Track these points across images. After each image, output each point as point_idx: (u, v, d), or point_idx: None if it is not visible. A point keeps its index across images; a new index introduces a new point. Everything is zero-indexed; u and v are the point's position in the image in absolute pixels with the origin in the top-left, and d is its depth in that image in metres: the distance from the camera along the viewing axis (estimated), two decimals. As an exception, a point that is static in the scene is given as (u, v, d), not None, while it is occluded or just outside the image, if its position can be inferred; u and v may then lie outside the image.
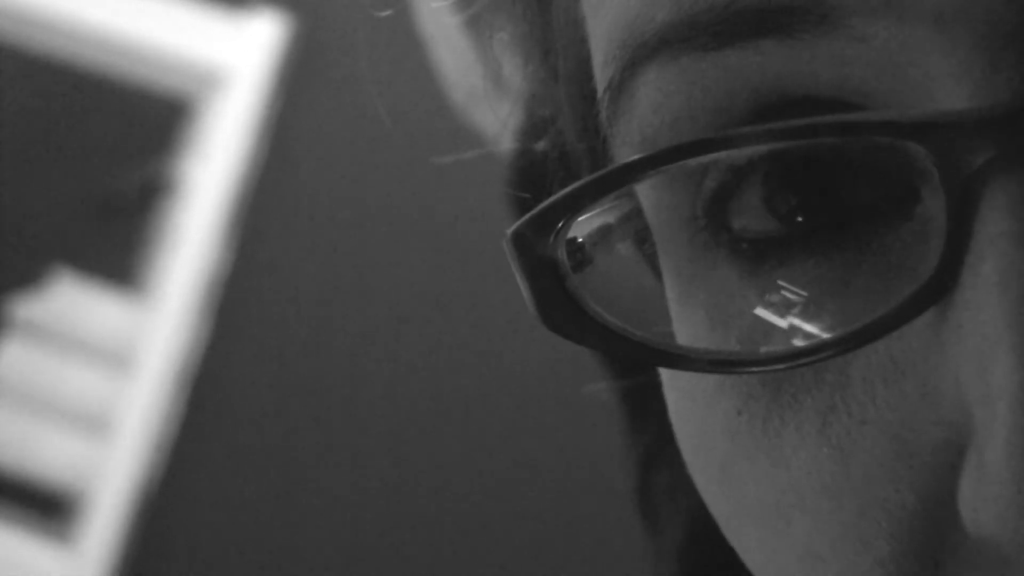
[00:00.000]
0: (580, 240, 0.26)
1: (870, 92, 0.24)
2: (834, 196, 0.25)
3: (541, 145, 0.38)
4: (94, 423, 1.65)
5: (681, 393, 0.28)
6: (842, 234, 0.25)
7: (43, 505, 1.63)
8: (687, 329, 0.28)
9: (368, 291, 1.59)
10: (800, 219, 0.25)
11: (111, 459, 1.60)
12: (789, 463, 0.25)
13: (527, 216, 0.25)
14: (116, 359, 1.66)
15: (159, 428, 1.59)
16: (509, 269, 0.26)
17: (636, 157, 0.25)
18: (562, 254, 0.26)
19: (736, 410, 0.26)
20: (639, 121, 0.26)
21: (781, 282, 0.26)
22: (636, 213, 0.29)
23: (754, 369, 0.25)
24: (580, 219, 0.26)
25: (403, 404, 1.55)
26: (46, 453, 1.66)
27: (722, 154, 0.25)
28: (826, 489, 0.25)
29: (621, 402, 0.50)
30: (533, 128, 0.40)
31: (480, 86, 0.48)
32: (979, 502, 0.22)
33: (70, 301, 1.70)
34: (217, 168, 1.65)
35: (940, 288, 0.23)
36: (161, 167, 1.71)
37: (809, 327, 0.25)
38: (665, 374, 0.29)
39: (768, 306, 0.26)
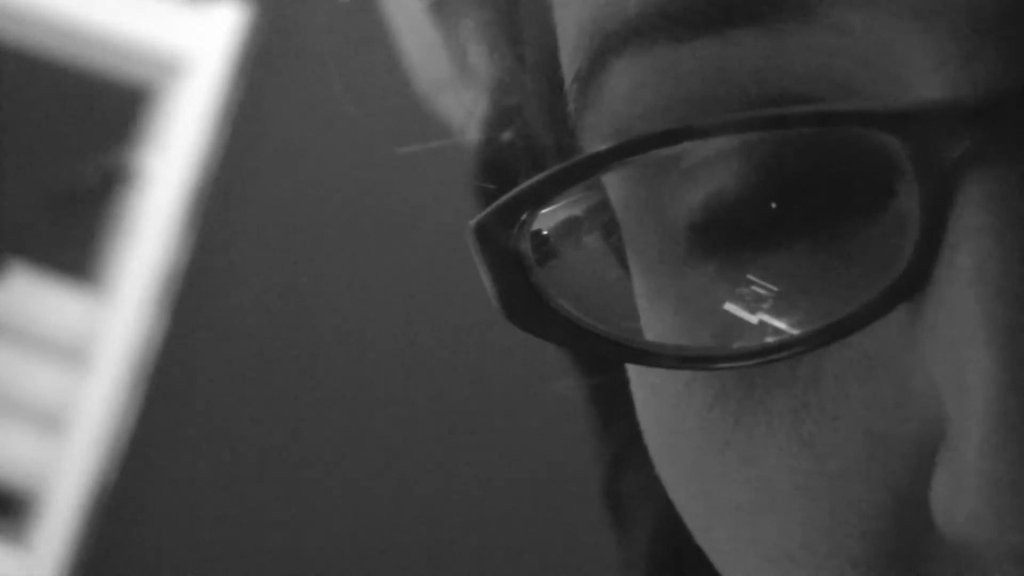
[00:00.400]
0: (545, 233, 0.26)
1: (847, 83, 0.24)
2: (807, 188, 0.25)
3: (507, 135, 0.38)
4: (49, 420, 1.64)
5: (650, 390, 0.28)
6: (816, 227, 0.25)
7: (-4, 504, 1.63)
8: (656, 324, 0.28)
9: (332, 284, 1.59)
10: (772, 212, 0.25)
11: (67, 457, 1.60)
12: (760, 461, 0.25)
13: (490, 208, 0.25)
14: (72, 355, 1.65)
15: (116, 426, 1.59)
16: (474, 262, 0.26)
17: (603, 147, 0.25)
18: (526, 247, 0.25)
19: (707, 406, 0.26)
20: (608, 113, 0.26)
21: (753, 276, 0.26)
22: (603, 205, 0.28)
23: (725, 365, 0.25)
24: (545, 211, 0.26)
25: (367, 399, 1.55)
26: (0, 451, 1.65)
27: (692, 144, 0.25)
28: (798, 488, 0.25)
29: (589, 400, 0.50)
30: (499, 118, 0.40)
31: (445, 74, 0.48)
32: (952, 501, 0.22)
33: (25, 295, 1.69)
34: (177, 158, 1.64)
35: (914, 283, 0.23)
36: (120, 157, 1.70)
37: (781, 322, 0.25)
38: (633, 371, 0.29)
39: (739, 300, 0.26)
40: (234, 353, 1.59)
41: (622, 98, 0.26)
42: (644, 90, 0.26)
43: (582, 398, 0.50)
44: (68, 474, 1.59)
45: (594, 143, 0.27)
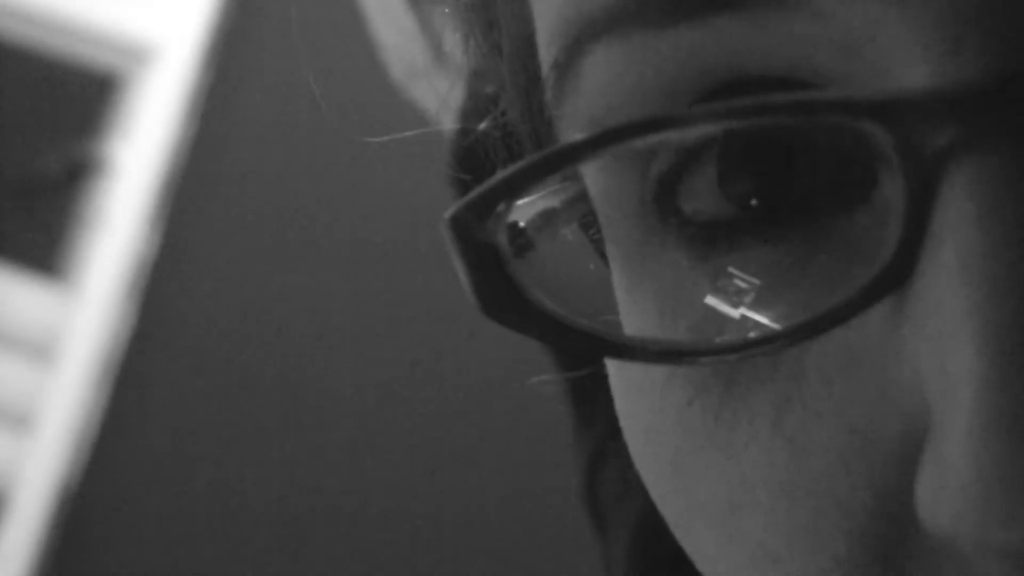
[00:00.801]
0: (522, 224, 0.26)
1: (828, 72, 0.24)
2: (788, 179, 0.25)
3: (483, 125, 0.38)
4: (14, 418, 1.63)
5: (629, 385, 0.28)
6: (797, 219, 0.25)
7: (-41, 504, 1.62)
8: (635, 318, 0.28)
9: (305, 277, 1.58)
10: (753, 203, 0.25)
11: (32, 456, 1.59)
12: (741, 457, 0.25)
13: (465, 199, 0.25)
14: (38, 350, 1.65)
15: (83, 424, 1.58)
16: (449, 254, 0.26)
17: (580, 137, 0.25)
18: (502, 239, 0.26)
19: (687, 402, 0.26)
20: (586, 102, 0.26)
21: (733, 269, 0.26)
22: (581, 197, 0.28)
23: (704, 360, 0.25)
24: (522, 202, 0.26)
25: (339, 397, 1.55)
26: (-37, 449, 1.64)
27: (671, 134, 0.25)
28: (780, 485, 0.25)
29: (568, 396, 0.50)
30: (475, 106, 0.40)
31: (420, 62, 0.48)
32: (936, 499, 0.22)
33: (-12, 288, 1.68)
34: (145, 148, 1.64)
35: (898, 275, 0.23)
36: (87, 147, 1.70)
37: (762, 316, 0.25)
38: (612, 365, 0.29)
39: (719, 294, 0.26)
40: (205, 349, 1.58)
41: (600, 86, 0.26)
42: (622, 79, 0.26)
43: (561, 394, 0.50)
44: (34, 473, 1.58)
45: (571, 132, 0.27)
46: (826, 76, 0.24)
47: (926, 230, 0.22)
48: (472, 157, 0.38)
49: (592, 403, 0.49)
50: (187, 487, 1.56)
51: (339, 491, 1.53)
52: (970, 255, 0.22)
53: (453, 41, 0.38)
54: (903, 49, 0.23)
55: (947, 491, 0.21)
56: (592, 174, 0.28)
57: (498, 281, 0.26)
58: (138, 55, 1.68)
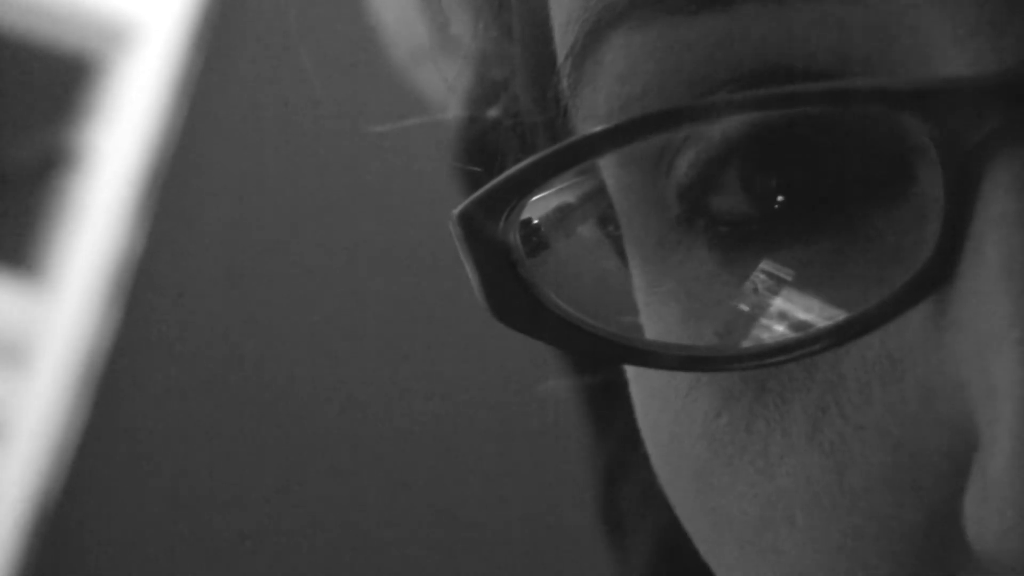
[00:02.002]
0: (536, 222, 0.27)
1: (863, 59, 0.24)
2: (821, 174, 0.25)
3: (493, 113, 0.38)
4: (-14, 427, 1.63)
5: (650, 393, 0.29)
6: (830, 216, 0.25)
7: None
8: (657, 322, 0.28)
9: (300, 276, 1.58)
10: (783, 200, 0.25)
11: (6, 466, 1.59)
12: (775, 472, 0.25)
13: (476, 194, 0.25)
14: (12, 354, 1.65)
15: (61, 435, 1.58)
16: (456, 253, 0.26)
17: (599, 129, 0.25)
18: (515, 237, 0.26)
19: (714, 412, 0.26)
20: (605, 92, 0.27)
21: (762, 269, 0.26)
22: (599, 192, 0.29)
23: (733, 366, 0.26)
24: (536, 198, 0.26)
25: (335, 403, 1.55)
26: (-69, 461, 1.64)
27: (696, 126, 0.25)
28: (818, 502, 0.25)
29: (583, 403, 0.50)
30: (484, 93, 0.40)
31: (424, 44, 0.48)
32: (983, 517, 0.22)
33: (-42, 288, 1.68)
34: (127, 137, 1.64)
35: (938, 275, 0.23)
36: (61, 135, 1.70)
37: (794, 319, 0.25)
38: (632, 372, 0.30)
39: (748, 296, 0.26)
40: (194, 355, 1.58)
41: (619, 75, 0.26)
42: (643, 67, 0.26)
43: (575, 401, 0.50)
44: (9, 485, 1.58)
45: (588, 123, 0.27)
46: (860, 64, 0.24)
47: (967, 228, 0.23)
48: (481, 148, 0.38)
49: (610, 410, 0.49)
50: (173, 504, 1.56)
51: (328, 506, 1.53)
52: (1014, 254, 0.22)
53: (460, 22, 0.38)
54: (941, 32, 0.23)
55: (992, 509, 0.21)
56: (611, 168, 0.28)
57: (510, 282, 0.26)
58: (118, 36, 1.68)
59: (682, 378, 0.27)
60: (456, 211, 0.26)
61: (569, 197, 0.28)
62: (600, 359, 0.36)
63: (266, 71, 1.55)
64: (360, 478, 1.54)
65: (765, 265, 0.26)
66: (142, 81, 1.65)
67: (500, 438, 1.51)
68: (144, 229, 1.62)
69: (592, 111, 0.27)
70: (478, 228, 0.26)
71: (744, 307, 0.26)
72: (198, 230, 1.62)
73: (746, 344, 0.26)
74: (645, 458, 0.30)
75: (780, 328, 0.25)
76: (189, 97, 1.64)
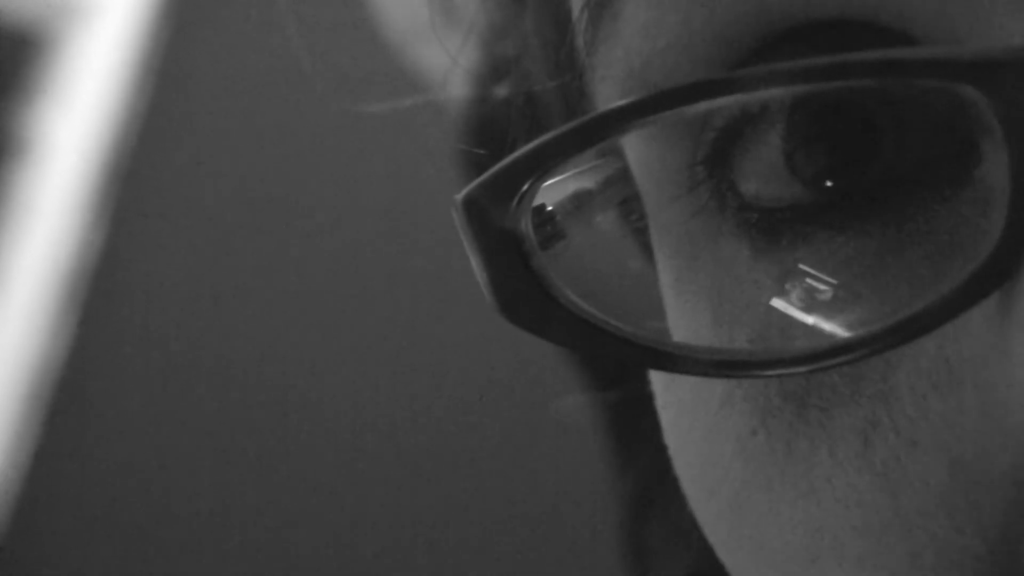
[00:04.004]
0: (550, 209, 0.27)
1: (917, 19, 0.24)
2: (871, 155, 0.25)
3: (502, 89, 0.38)
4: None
5: (679, 407, 0.29)
6: (881, 203, 0.25)
7: None
8: (686, 322, 0.28)
9: (278, 280, 1.58)
10: (828, 184, 0.26)
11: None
12: (821, 495, 0.26)
13: (482, 178, 0.26)
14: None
15: (12, 450, 1.59)
16: (460, 245, 0.27)
17: (622, 103, 0.25)
18: (527, 226, 0.26)
19: (751, 429, 0.27)
20: (624, 48, 0.27)
21: (804, 264, 0.26)
22: (622, 175, 0.29)
23: (770, 372, 0.26)
24: (550, 183, 0.26)
25: (313, 423, 1.55)
26: None
27: (732, 99, 0.25)
28: (869, 528, 0.25)
29: (604, 421, 0.51)
30: (492, 68, 0.40)
31: (425, 17, 0.48)
32: None
33: None
34: (83, 122, 1.64)
35: (1004, 269, 0.23)
36: (8, 119, 1.70)
37: (839, 320, 0.25)
38: (658, 382, 0.30)
39: (788, 293, 0.26)
40: (156, 368, 1.59)
41: (640, 29, 0.27)
42: (667, 18, 0.26)
43: (596, 419, 0.51)
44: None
45: (606, 88, 0.28)
46: (915, 24, 0.24)
47: None
48: (488, 129, 0.38)
49: (636, 431, 0.49)
50: (132, 541, 1.56)
51: (296, 507, 1.53)
52: None
53: (465, -9, 0.39)
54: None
55: None
56: (635, 147, 0.28)
57: (521, 276, 0.26)
58: (73, 10, 1.68)
59: (714, 390, 0.27)
60: (460, 196, 0.26)
61: (588, 182, 0.28)
62: (622, 364, 0.36)
63: (244, 44, 1.55)
64: (331, 486, 1.54)
65: (807, 259, 0.26)
66: (100, 58, 1.65)
67: (507, 462, 1.50)
68: (102, 227, 1.63)
69: (610, 72, 0.27)
70: (484, 215, 0.26)
71: (784, 306, 0.26)
72: (163, 228, 1.62)
73: (784, 348, 0.26)
74: (676, 485, 0.30)
75: (825, 330, 0.26)
76: (154, 76, 1.64)
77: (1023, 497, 0.23)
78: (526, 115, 0.35)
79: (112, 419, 1.60)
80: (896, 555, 0.25)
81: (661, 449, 0.30)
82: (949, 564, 0.24)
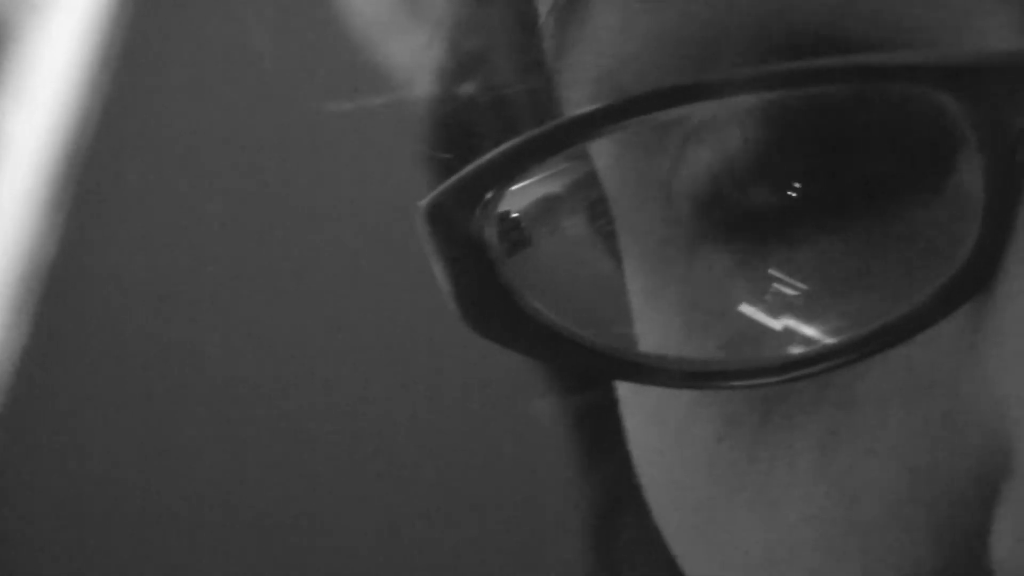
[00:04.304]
0: (516, 215, 0.27)
1: (895, 24, 0.24)
2: (845, 162, 0.25)
3: (468, 88, 0.38)
4: None
5: (645, 416, 0.29)
6: (854, 211, 0.25)
7: None
8: (656, 331, 0.28)
9: (239, 280, 1.58)
10: (802, 191, 0.26)
11: None
12: (779, 507, 0.26)
13: (447, 183, 0.26)
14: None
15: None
16: (423, 252, 0.27)
17: (591, 109, 0.25)
18: (492, 234, 0.26)
19: (715, 437, 0.27)
20: (594, 51, 0.27)
21: (777, 272, 0.26)
22: (590, 179, 0.29)
23: (741, 383, 0.26)
24: (516, 187, 0.26)
25: (278, 428, 1.55)
26: None
27: (705, 105, 0.25)
28: (825, 540, 0.25)
29: (573, 426, 0.51)
30: (458, 66, 0.40)
31: (389, 12, 0.48)
32: (1015, 554, 0.22)
33: None
34: (39, 116, 1.63)
35: (976, 280, 0.23)
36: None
37: (811, 329, 0.25)
38: (625, 391, 0.30)
39: (760, 302, 0.26)
40: (112, 363, 1.58)
41: (611, 32, 0.26)
42: (638, 20, 0.26)
43: (563, 424, 0.51)
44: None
45: (576, 92, 0.28)
46: (893, 29, 0.24)
47: (1012, 225, 0.23)
48: (454, 130, 0.38)
49: (604, 437, 0.49)
50: (92, 529, 1.56)
51: (263, 514, 1.53)
52: None
53: (430, -17, 0.39)
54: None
55: None
56: (603, 151, 0.28)
57: (486, 285, 0.26)
58: (29, 2, 1.68)
59: (680, 399, 0.27)
60: (424, 203, 0.26)
61: (555, 186, 0.28)
62: (589, 374, 0.36)
63: (204, 41, 1.55)
64: (288, 501, 1.54)
65: (780, 267, 0.26)
66: (57, 52, 1.65)
67: (473, 468, 1.50)
68: (59, 225, 1.62)
69: (580, 75, 0.27)
70: (449, 223, 0.26)
71: (755, 315, 0.26)
72: (123, 227, 1.62)
73: (756, 358, 0.26)
74: (641, 493, 0.30)
75: (797, 340, 0.26)
76: (112, 70, 1.64)
77: (982, 505, 0.23)
78: (493, 116, 0.35)
79: (66, 424, 1.59)
80: (850, 564, 0.25)
81: (628, 454, 0.30)
82: (904, 572, 0.24)
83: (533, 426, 0.51)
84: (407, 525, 1.52)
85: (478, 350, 0.30)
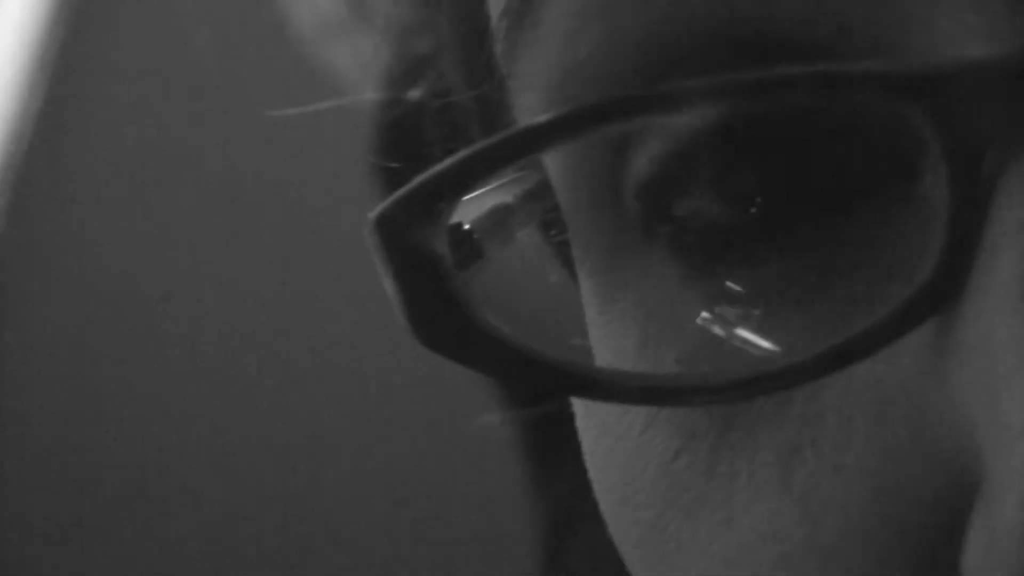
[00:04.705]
0: (467, 227, 0.27)
1: (856, 31, 0.24)
2: (805, 175, 0.25)
3: (417, 94, 0.38)
4: None
5: (600, 430, 0.29)
6: (815, 224, 0.25)
7: None
8: (611, 345, 0.28)
9: (181, 286, 1.58)
10: (761, 204, 0.26)
11: None
12: (739, 524, 0.26)
13: (396, 196, 0.25)
14: None
15: None
16: (371, 264, 0.27)
17: (542, 120, 0.25)
18: (443, 246, 0.26)
19: (672, 453, 0.27)
20: (546, 58, 0.27)
21: (735, 285, 0.26)
22: (543, 189, 0.29)
23: (699, 399, 0.26)
24: (467, 198, 0.26)
25: (224, 427, 1.54)
26: None
27: (660, 117, 0.25)
28: (786, 559, 0.25)
29: (525, 440, 0.51)
30: (407, 71, 0.40)
31: (336, 15, 0.48)
32: (988, 574, 0.22)
33: None
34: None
35: (942, 293, 0.23)
36: None
37: (772, 344, 0.25)
38: (580, 405, 0.30)
39: (718, 316, 0.26)
40: (48, 367, 1.58)
41: (562, 38, 0.26)
42: (591, 26, 0.26)
43: (515, 437, 0.50)
44: None
45: (527, 98, 0.28)
46: (853, 36, 0.24)
47: (978, 238, 0.23)
48: (403, 137, 0.38)
49: (557, 450, 0.49)
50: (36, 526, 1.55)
51: (217, 532, 1.53)
52: None
53: (378, -14, 0.38)
54: (950, 6, 0.23)
55: (1000, 566, 0.22)
56: (556, 161, 0.28)
57: (437, 299, 0.26)
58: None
59: (637, 413, 0.27)
60: (373, 214, 0.26)
61: (506, 196, 0.28)
62: (543, 390, 0.36)
63: (145, 41, 1.55)
64: (246, 516, 1.54)
65: (738, 280, 0.26)
66: (-6, 51, 1.64)
67: (422, 480, 1.50)
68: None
69: (532, 82, 0.27)
70: (399, 234, 0.25)
71: (713, 330, 0.26)
72: (61, 234, 1.61)
73: (714, 373, 0.26)
74: (596, 508, 0.30)
75: (756, 354, 0.26)
76: (51, 72, 1.63)
77: (952, 523, 0.23)
78: (443, 123, 0.35)
79: (11, 432, 1.59)
80: None
81: (583, 468, 0.30)
82: None
83: (485, 439, 0.51)
84: (356, 540, 1.52)
85: (429, 363, 0.30)
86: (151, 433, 1.57)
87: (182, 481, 1.56)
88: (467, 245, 0.27)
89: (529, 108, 0.28)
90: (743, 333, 0.26)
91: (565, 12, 0.26)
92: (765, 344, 0.25)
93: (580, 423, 0.30)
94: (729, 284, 0.26)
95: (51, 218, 1.62)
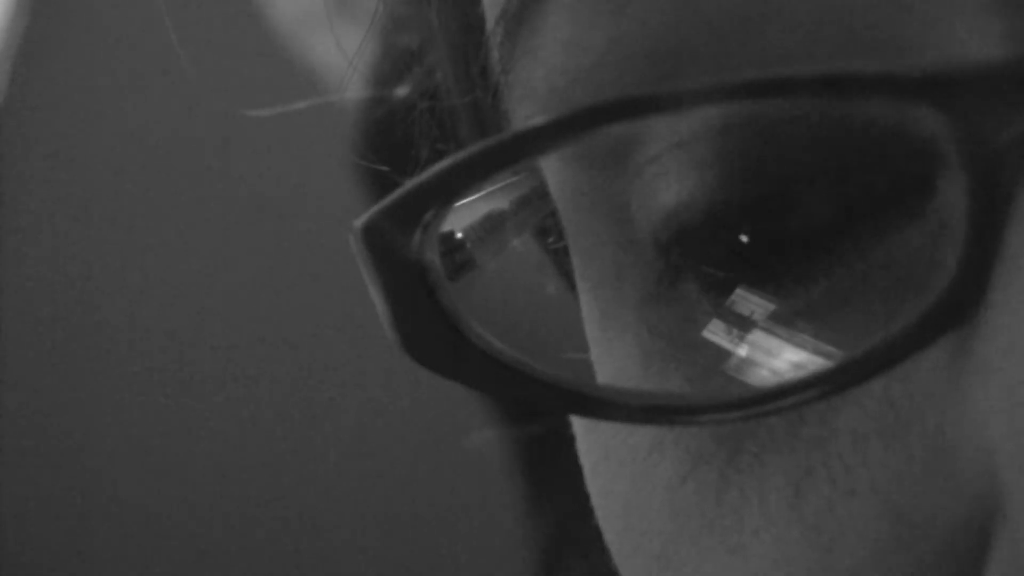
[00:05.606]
0: (459, 236, 0.27)
1: (871, 35, 0.24)
2: (815, 182, 0.25)
3: (405, 92, 0.38)
4: None
5: (603, 453, 0.29)
6: (827, 236, 0.25)
7: None
8: (612, 361, 0.28)
9: (156, 293, 1.58)
10: (768, 214, 0.26)
11: None
12: (749, 551, 0.26)
13: (384, 203, 0.25)
14: None
15: None
16: (358, 274, 0.26)
17: (540, 122, 0.25)
18: (433, 255, 0.26)
19: (679, 477, 0.27)
20: (545, 66, 0.27)
21: (744, 298, 0.26)
22: (539, 195, 0.29)
23: (704, 419, 0.26)
24: (459, 205, 0.26)
25: (200, 434, 1.54)
26: None
27: (658, 119, 0.25)
28: None
29: (516, 458, 0.51)
30: (394, 68, 0.40)
31: (319, 8, 0.48)
32: None
33: None
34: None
35: (960, 308, 0.23)
36: None
37: (782, 360, 0.25)
38: (580, 425, 0.30)
39: (726, 331, 0.26)
40: (29, 376, 1.58)
41: (563, 44, 0.26)
42: (592, 33, 0.26)
43: (508, 457, 0.50)
44: None
45: (524, 107, 0.27)
46: (868, 40, 0.24)
47: (997, 249, 0.23)
48: (390, 138, 0.38)
49: (551, 469, 0.49)
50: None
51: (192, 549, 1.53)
52: None
53: (363, -21, 0.38)
54: (971, 4, 0.23)
55: None
56: (554, 166, 0.28)
57: (426, 311, 0.26)
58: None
59: (643, 435, 0.27)
60: (359, 223, 0.26)
61: (501, 203, 0.28)
62: (540, 408, 0.36)
63: (116, 36, 1.54)
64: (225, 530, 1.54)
65: (747, 293, 0.26)
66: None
67: (415, 499, 1.50)
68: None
69: (530, 89, 0.27)
70: (386, 244, 0.25)
71: (721, 345, 0.26)
72: (27, 240, 1.61)
73: (722, 392, 0.26)
74: (597, 533, 0.30)
75: (766, 371, 0.25)
76: (14, 72, 1.63)
77: (972, 546, 0.23)
78: (432, 122, 0.35)
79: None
80: None
81: (579, 489, 0.30)
82: None
83: (479, 459, 0.51)
84: (349, 560, 1.52)
85: (419, 379, 0.30)
86: (130, 436, 1.57)
87: (175, 491, 1.56)
88: (458, 255, 0.27)
89: (527, 117, 0.28)
90: (755, 350, 0.26)
91: (566, 19, 0.26)
92: (778, 361, 0.25)
93: (581, 445, 0.30)
94: (738, 300, 0.26)
95: (14, 227, 1.62)
